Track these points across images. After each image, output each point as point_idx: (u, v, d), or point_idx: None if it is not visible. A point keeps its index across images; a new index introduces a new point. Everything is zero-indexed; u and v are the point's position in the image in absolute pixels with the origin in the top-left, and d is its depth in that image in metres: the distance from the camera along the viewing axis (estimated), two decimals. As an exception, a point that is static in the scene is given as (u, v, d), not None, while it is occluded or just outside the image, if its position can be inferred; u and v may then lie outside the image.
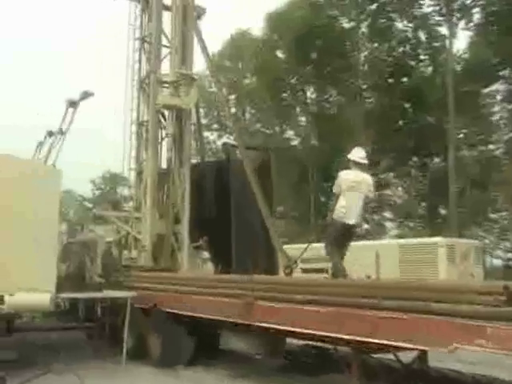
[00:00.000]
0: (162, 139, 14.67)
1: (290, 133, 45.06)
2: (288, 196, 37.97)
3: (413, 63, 38.09)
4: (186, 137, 14.51)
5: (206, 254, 14.32)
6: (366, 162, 9.32)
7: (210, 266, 14.13)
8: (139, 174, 14.59)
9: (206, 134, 38.63)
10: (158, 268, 13.16)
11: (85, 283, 12.89)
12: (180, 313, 10.39)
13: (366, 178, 9.27)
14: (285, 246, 12.21)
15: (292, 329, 7.95)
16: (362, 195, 9.14)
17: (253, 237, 12.89)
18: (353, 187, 9.03)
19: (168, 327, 10.83)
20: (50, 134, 16.88)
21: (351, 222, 9.08)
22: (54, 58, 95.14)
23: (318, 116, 40.65)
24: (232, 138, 39.90)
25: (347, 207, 8.97)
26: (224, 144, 16.84)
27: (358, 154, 9.27)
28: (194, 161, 15.46)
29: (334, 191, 9.20)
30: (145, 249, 13.58)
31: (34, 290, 9.79)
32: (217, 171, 14.33)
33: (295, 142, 44.02)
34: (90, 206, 57.04)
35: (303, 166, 38.98)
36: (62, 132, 16.59)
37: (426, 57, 38.21)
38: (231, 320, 8.97)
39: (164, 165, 14.46)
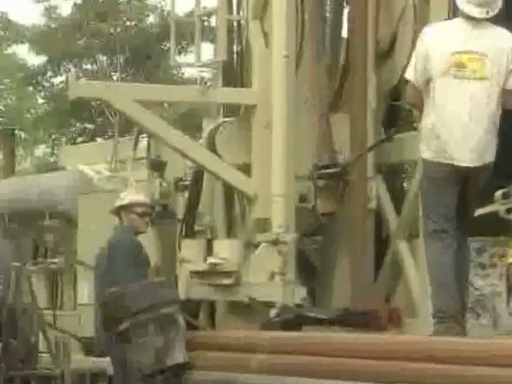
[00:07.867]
0: None
1: None
2: None
3: None
4: None
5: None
6: (494, 9, 4.39)
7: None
8: None
9: None
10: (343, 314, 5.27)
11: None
12: None
13: (496, 43, 4.42)
14: None
15: None
16: (487, 88, 4.31)
17: None
18: (461, 67, 4.31)
19: None
20: None
21: (463, 162, 4.26)
22: None
23: None
24: None
25: (447, 123, 4.28)
26: None
27: None
28: None
29: (407, 77, 4.59)
30: (279, 235, 5.80)
31: None
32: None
33: None
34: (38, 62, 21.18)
35: None
36: None
37: None
38: None
39: None
